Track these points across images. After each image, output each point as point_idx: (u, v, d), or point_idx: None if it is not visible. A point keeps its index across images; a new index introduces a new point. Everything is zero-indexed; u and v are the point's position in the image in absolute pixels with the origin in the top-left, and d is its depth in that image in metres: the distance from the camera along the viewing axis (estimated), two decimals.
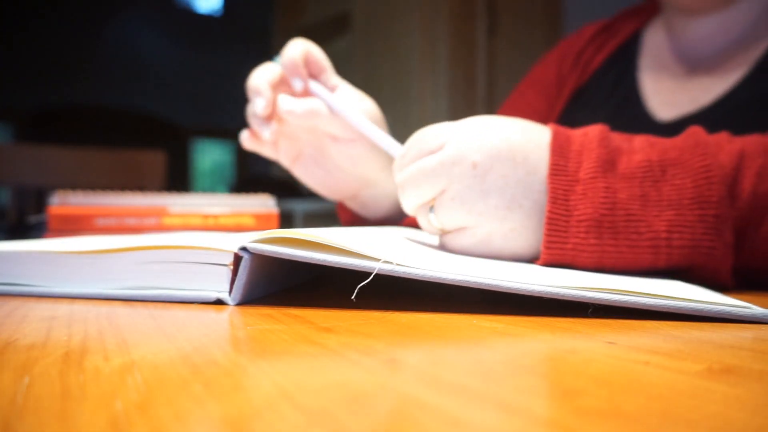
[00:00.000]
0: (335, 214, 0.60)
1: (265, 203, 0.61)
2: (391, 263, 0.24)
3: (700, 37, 0.66)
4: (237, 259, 0.25)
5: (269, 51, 3.68)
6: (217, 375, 0.14)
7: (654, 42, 0.71)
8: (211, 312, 0.24)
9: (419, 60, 2.27)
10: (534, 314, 0.24)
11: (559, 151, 0.37)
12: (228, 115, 4.70)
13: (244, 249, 0.25)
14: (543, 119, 0.74)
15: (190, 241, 0.27)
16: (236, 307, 0.25)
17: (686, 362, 0.16)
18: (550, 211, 0.35)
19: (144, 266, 0.27)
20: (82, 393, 0.13)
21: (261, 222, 0.60)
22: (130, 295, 0.27)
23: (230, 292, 0.26)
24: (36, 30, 4.03)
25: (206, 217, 0.58)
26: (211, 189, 4.86)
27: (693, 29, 0.66)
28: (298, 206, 2.74)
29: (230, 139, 4.81)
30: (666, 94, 0.66)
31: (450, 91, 2.22)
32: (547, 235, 0.35)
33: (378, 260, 0.24)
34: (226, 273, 0.26)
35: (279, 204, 0.62)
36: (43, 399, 0.12)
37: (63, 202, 0.56)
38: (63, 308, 0.24)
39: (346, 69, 3.00)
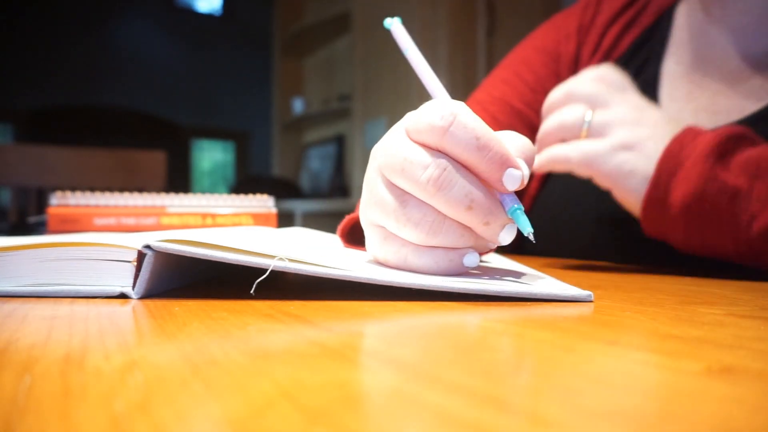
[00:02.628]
0: (333, 214, 0.60)
1: (264, 203, 0.61)
2: (284, 260, 0.26)
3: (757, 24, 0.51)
4: (141, 256, 0.27)
5: (269, 51, 3.68)
6: (218, 374, 0.14)
7: (688, 24, 0.58)
8: (214, 312, 0.24)
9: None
10: (534, 315, 0.24)
11: (679, 139, 0.42)
12: (228, 115, 4.71)
13: (147, 247, 0.26)
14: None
15: (96, 239, 0.28)
16: (236, 309, 0.25)
17: (685, 362, 0.16)
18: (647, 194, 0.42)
19: (48, 264, 0.27)
20: (83, 392, 0.13)
21: (260, 222, 0.60)
22: (33, 291, 0.27)
23: (134, 286, 0.27)
24: (36, 30, 4.03)
25: (205, 216, 0.59)
26: (211, 189, 4.86)
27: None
28: (298, 206, 2.74)
29: (230, 139, 4.81)
30: (694, 98, 0.54)
31: (450, 91, 2.21)
32: (644, 214, 0.43)
33: (273, 257, 0.26)
34: (130, 269, 0.27)
35: (278, 204, 0.62)
36: (44, 398, 0.13)
37: (62, 203, 0.56)
38: (64, 308, 0.24)
39: (346, 69, 3.01)
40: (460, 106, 0.28)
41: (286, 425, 0.11)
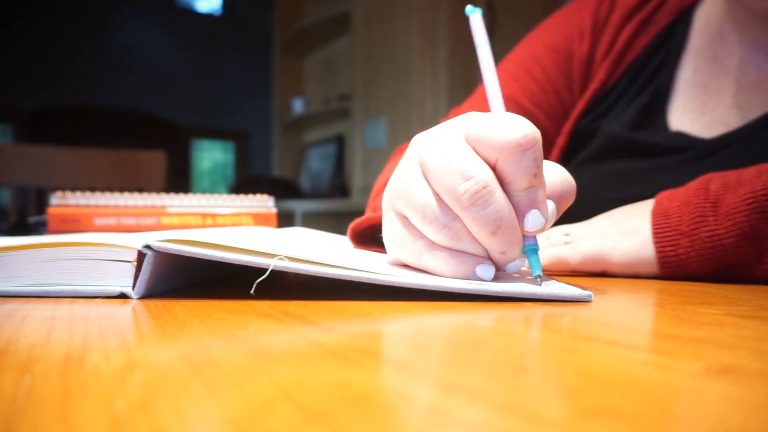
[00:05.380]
0: (333, 214, 0.60)
1: (264, 203, 0.61)
2: (284, 260, 0.26)
3: None
4: (141, 257, 0.27)
5: (269, 51, 3.68)
6: (218, 375, 0.14)
7: (708, 30, 0.56)
8: (215, 312, 0.24)
9: (419, 60, 2.27)
10: (534, 315, 0.24)
11: (660, 210, 0.41)
12: (228, 115, 4.71)
13: (147, 247, 0.26)
14: (557, 108, 0.60)
15: (96, 239, 0.28)
16: (236, 309, 0.25)
17: (685, 362, 0.16)
18: (663, 274, 0.40)
19: (48, 263, 0.27)
20: (83, 392, 0.13)
21: (260, 222, 0.60)
22: (33, 291, 0.27)
23: (134, 286, 0.27)
24: (36, 30, 4.03)
25: (205, 216, 0.59)
26: (211, 189, 4.86)
27: None
28: (298, 206, 2.74)
29: (230, 139, 4.81)
30: (708, 111, 0.53)
31: (450, 91, 2.22)
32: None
33: (273, 257, 0.26)
34: (130, 269, 0.27)
35: (278, 204, 0.62)
36: (44, 398, 0.13)
37: (62, 203, 0.56)
38: (64, 308, 0.24)
39: (346, 69, 3.01)
40: (538, 130, 0.27)
41: (286, 425, 0.11)
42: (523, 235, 0.28)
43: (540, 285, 0.29)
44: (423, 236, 0.29)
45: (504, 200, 0.27)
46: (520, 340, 0.19)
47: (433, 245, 0.29)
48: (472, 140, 0.28)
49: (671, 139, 0.53)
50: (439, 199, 0.28)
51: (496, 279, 0.29)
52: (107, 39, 4.29)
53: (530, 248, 0.29)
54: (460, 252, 0.28)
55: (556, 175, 0.31)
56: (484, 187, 0.26)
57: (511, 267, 0.29)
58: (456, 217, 0.28)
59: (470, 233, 0.28)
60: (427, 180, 0.28)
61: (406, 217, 0.30)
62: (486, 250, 0.28)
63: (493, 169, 0.27)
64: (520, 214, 0.28)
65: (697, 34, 0.57)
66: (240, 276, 0.36)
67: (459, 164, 0.27)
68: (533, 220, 0.28)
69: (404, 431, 0.11)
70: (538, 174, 0.27)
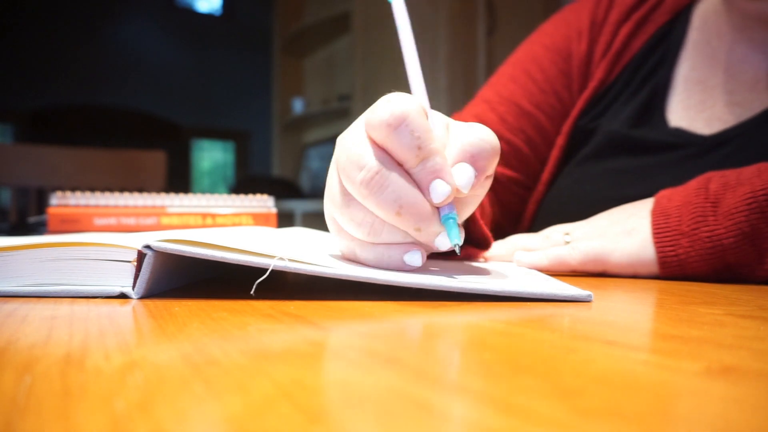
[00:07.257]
0: None
1: (264, 203, 0.61)
2: (284, 260, 0.26)
3: None
4: (141, 257, 0.27)
5: (269, 51, 3.68)
6: (218, 374, 0.14)
7: (706, 27, 0.56)
8: (215, 312, 0.24)
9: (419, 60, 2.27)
10: (534, 315, 0.24)
11: (660, 210, 0.41)
12: (228, 115, 4.71)
13: (147, 247, 0.26)
14: (556, 107, 0.61)
15: (96, 239, 0.28)
16: (236, 309, 0.25)
17: (685, 362, 0.16)
18: (662, 274, 0.40)
19: (48, 263, 0.27)
20: (83, 392, 0.13)
21: (260, 222, 0.60)
22: (33, 291, 0.27)
23: (134, 286, 0.27)
24: (36, 30, 4.03)
25: (205, 216, 0.59)
26: (211, 189, 4.87)
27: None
28: (298, 206, 2.74)
29: (230, 139, 4.81)
30: (707, 108, 0.53)
31: (450, 91, 2.22)
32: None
33: (273, 257, 0.26)
34: (130, 269, 0.27)
35: (278, 204, 0.62)
36: (45, 398, 0.13)
37: (62, 203, 0.56)
38: (64, 308, 0.24)
39: (346, 69, 3.01)
40: (417, 105, 0.27)
41: (286, 425, 0.11)
42: (438, 207, 0.28)
43: (459, 254, 0.29)
44: (353, 236, 0.30)
45: (399, 180, 0.27)
46: (520, 340, 0.19)
47: (362, 243, 0.29)
48: (367, 129, 0.28)
49: (671, 135, 0.54)
50: (349, 197, 0.29)
51: (495, 278, 0.29)
52: (107, 39, 4.29)
53: (447, 217, 0.28)
54: (387, 244, 0.29)
55: (472, 137, 0.29)
56: (377, 173, 0.27)
57: (439, 242, 0.29)
58: (367, 212, 0.28)
59: (384, 225, 0.28)
60: (341, 181, 0.29)
61: (336, 220, 0.30)
62: (408, 236, 0.29)
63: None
64: (423, 189, 0.28)
65: (695, 31, 0.57)
66: (240, 276, 0.36)
67: (354, 155, 0.27)
68: (437, 190, 0.27)
69: (404, 431, 0.11)
70: (422, 146, 0.27)
